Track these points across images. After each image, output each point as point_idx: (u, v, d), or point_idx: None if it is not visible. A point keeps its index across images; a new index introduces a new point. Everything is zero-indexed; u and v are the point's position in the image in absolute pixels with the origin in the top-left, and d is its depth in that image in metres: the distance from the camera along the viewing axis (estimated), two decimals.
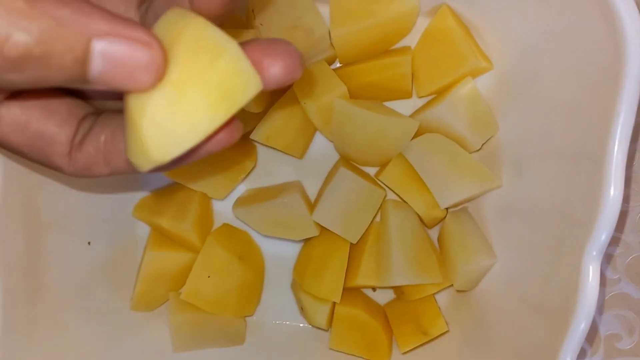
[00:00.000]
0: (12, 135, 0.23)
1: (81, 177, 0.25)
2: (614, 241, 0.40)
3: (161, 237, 0.40)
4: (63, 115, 0.24)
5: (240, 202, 0.40)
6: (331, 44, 0.37)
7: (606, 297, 0.40)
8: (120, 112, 0.24)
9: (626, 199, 0.40)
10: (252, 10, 0.36)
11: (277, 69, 0.21)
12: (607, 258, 0.40)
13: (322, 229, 0.39)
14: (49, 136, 0.24)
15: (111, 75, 0.19)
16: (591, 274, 0.29)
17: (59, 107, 0.24)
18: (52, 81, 0.19)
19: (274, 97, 0.38)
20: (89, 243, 0.38)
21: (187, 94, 0.19)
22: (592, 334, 0.40)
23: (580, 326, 0.29)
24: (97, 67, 0.18)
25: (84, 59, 0.18)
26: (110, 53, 0.18)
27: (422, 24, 0.38)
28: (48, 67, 0.18)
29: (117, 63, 0.19)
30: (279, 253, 0.42)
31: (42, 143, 0.24)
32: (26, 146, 0.24)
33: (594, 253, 0.29)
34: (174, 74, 0.19)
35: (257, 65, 0.21)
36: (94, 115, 0.25)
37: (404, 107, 0.39)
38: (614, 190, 0.28)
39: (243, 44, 0.21)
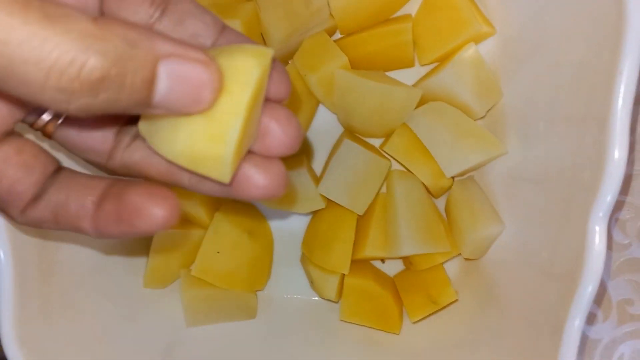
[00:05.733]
0: None
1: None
2: (624, 206, 0.39)
3: None
4: (38, 170, 0.23)
5: None
6: (331, 14, 0.37)
7: (617, 262, 0.39)
8: (76, 172, 0.24)
9: (634, 162, 0.39)
10: None
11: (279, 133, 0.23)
12: (617, 223, 0.39)
13: (329, 201, 0.39)
14: (13, 184, 0.23)
15: (176, 95, 0.19)
16: (597, 235, 0.28)
17: (34, 161, 0.23)
18: (121, 105, 0.19)
19: None
20: None
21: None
22: (603, 299, 0.40)
23: (587, 289, 0.29)
24: (163, 87, 0.19)
25: (151, 80, 0.19)
26: (176, 73, 0.19)
27: None
28: (121, 89, 0.18)
29: (182, 82, 0.19)
30: (287, 228, 0.42)
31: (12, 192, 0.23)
32: None
33: (600, 214, 0.28)
34: None
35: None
36: (54, 172, 0.24)
37: (407, 76, 0.39)
38: (618, 152, 0.28)
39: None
